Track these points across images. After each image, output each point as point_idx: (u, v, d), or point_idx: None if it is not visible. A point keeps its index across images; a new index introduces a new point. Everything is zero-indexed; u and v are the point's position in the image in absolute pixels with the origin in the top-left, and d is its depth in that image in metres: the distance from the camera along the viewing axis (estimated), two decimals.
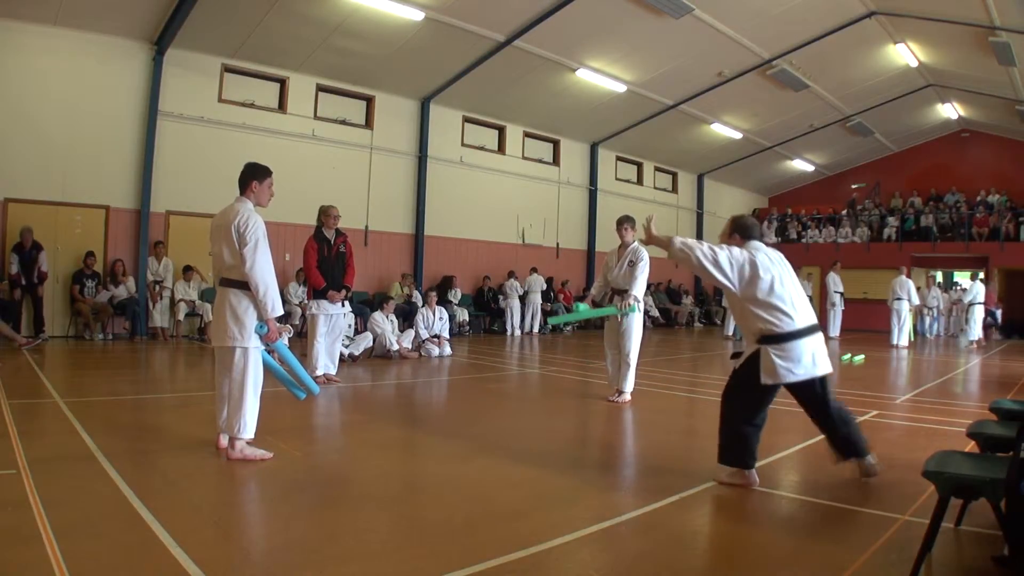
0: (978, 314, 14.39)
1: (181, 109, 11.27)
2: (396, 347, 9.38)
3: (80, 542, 2.54)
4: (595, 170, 18.08)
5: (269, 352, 4.08)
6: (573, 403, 6.62)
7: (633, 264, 6.14)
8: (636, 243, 6.25)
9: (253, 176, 4.03)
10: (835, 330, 15.54)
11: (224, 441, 3.95)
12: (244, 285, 3.82)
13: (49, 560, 2.35)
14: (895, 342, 13.61)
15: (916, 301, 14.26)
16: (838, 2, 12.06)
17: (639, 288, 6.06)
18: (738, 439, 3.59)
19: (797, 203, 23.32)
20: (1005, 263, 17.88)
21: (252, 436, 3.88)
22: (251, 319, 3.85)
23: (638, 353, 6.24)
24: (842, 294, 15.55)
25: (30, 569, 2.29)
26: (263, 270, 3.77)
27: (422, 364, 9.00)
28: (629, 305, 6.01)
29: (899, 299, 13.75)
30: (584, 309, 6.34)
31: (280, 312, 3.87)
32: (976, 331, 14.31)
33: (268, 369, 4.07)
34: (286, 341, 4.52)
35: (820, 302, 18.69)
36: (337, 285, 6.98)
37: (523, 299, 14.99)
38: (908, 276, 14.46)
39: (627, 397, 6.23)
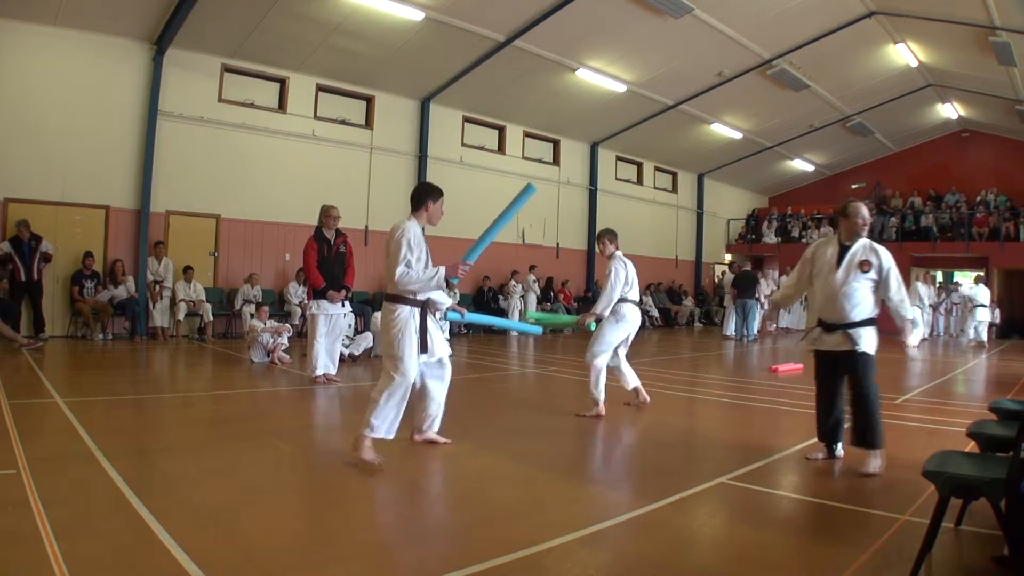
0: (980, 316, 14.44)
1: (181, 109, 11.27)
2: None
3: (80, 542, 2.53)
4: (595, 170, 18.08)
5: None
6: (573, 403, 6.61)
7: (605, 279, 5.81)
8: (614, 255, 5.85)
9: (429, 195, 4.27)
10: None
11: (418, 437, 4.26)
12: (396, 299, 3.98)
13: (49, 560, 2.35)
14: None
15: (928, 302, 14.57)
16: (838, 2, 12.06)
17: (601, 306, 5.69)
18: (878, 420, 3.94)
19: (797, 203, 23.32)
20: (1005, 263, 17.88)
21: (383, 435, 3.87)
22: (398, 332, 3.91)
23: (605, 357, 5.75)
24: None
25: (30, 569, 2.29)
26: (406, 276, 3.89)
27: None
28: (587, 322, 5.77)
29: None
30: (540, 316, 6.11)
31: (443, 278, 3.94)
32: (973, 331, 14.40)
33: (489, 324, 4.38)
34: (461, 313, 4.72)
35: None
36: (337, 285, 6.98)
37: (522, 298, 15.01)
38: (926, 282, 14.72)
39: (598, 409, 5.59)
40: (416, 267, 3.96)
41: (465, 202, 15.21)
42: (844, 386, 4.08)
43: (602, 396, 5.65)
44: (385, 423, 3.88)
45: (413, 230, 4.07)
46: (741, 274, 15.00)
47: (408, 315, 3.96)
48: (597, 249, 6.07)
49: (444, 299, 4.26)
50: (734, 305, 14.81)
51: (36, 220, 9.86)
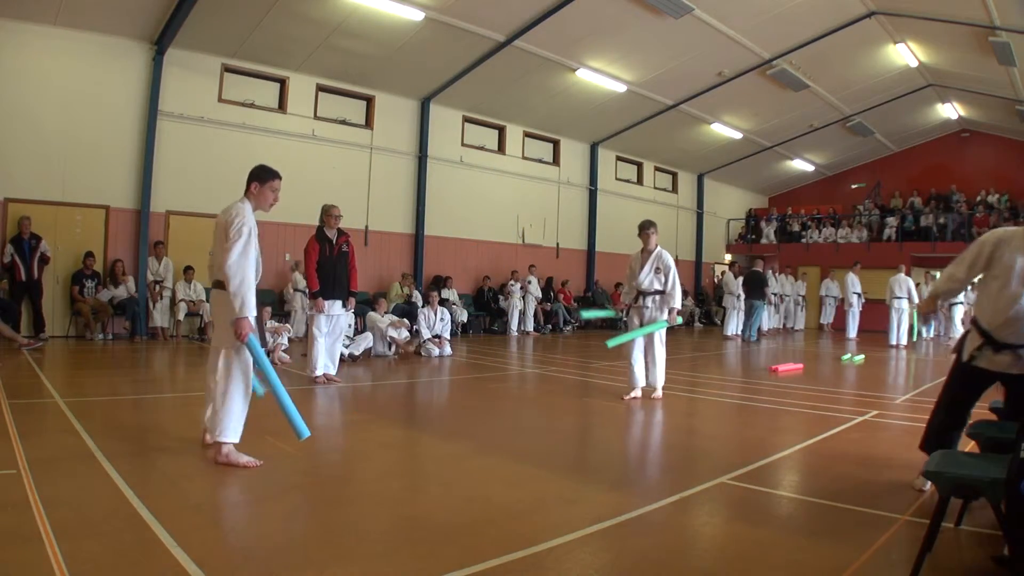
0: (958, 314, 14.37)
1: (181, 109, 11.27)
2: (394, 334, 9.43)
3: (80, 542, 2.54)
4: (595, 170, 18.08)
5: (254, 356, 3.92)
6: (573, 403, 6.62)
7: (660, 271, 6.36)
8: (659, 248, 6.44)
9: (255, 178, 4.01)
10: (852, 330, 15.42)
11: (210, 439, 3.88)
12: None
13: (49, 560, 2.35)
14: (894, 341, 13.58)
15: (916, 299, 14.16)
16: (838, 2, 12.05)
17: (678, 299, 6.37)
18: None
19: (797, 203, 23.32)
20: None
21: (236, 440, 3.77)
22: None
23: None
24: (859, 295, 15.40)
25: (30, 569, 2.30)
26: (237, 266, 3.67)
27: (422, 364, 9.00)
28: (675, 319, 6.38)
29: (898, 298, 13.69)
30: (640, 330, 6.40)
31: (248, 315, 3.69)
32: (958, 330, 14.30)
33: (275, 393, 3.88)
34: (284, 341, 4.45)
35: (816, 302, 18.71)
36: (342, 289, 6.99)
37: (522, 299, 15.01)
38: (907, 274, 14.39)
39: (660, 393, 6.46)
40: (253, 260, 3.77)
41: (465, 202, 15.27)
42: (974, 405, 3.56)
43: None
44: (233, 423, 3.75)
45: (250, 216, 3.84)
46: (750, 274, 14.55)
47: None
48: (640, 240, 6.49)
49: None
50: (742, 305, 14.67)
51: (36, 220, 9.86)
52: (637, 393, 6.41)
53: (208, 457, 3.82)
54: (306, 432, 3.79)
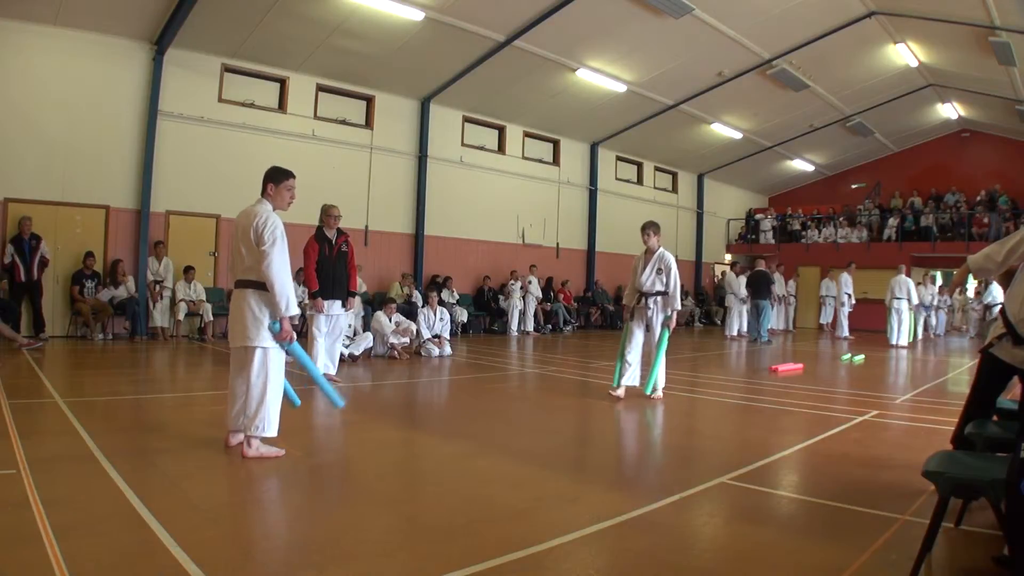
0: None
1: (181, 109, 11.27)
2: (395, 341, 9.41)
3: (80, 542, 2.53)
4: (595, 170, 18.08)
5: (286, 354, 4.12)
6: (573, 403, 6.62)
7: (661, 272, 6.40)
8: (661, 248, 6.48)
9: (270, 179, 4.10)
10: (843, 330, 15.50)
11: (234, 440, 4.02)
12: (263, 286, 3.87)
13: (49, 560, 2.35)
14: (894, 342, 13.58)
15: (916, 300, 14.16)
16: (838, 2, 12.05)
17: (679, 301, 6.46)
18: None
19: (797, 203, 23.32)
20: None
21: (274, 434, 3.93)
22: (269, 319, 3.91)
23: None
24: (850, 295, 15.48)
25: (30, 569, 2.29)
26: (279, 270, 3.82)
27: (422, 364, 9.00)
28: (672, 324, 6.39)
29: (898, 298, 13.69)
30: (659, 358, 6.36)
31: (295, 312, 3.90)
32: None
33: (308, 374, 4.30)
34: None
35: (815, 303, 18.69)
36: (342, 290, 6.99)
37: (523, 299, 15.00)
38: (907, 275, 14.38)
39: (660, 394, 6.42)
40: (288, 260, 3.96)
41: (465, 202, 15.27)
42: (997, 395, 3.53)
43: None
44: (274, 418, 3.91)
45: (276, 217, 3.98)
46: (755, 274, 14.41)
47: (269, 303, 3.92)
48: (642, 240, 6.51)
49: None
50: (746, 305, 14.62)
51: (36, 220, 9.86)
52: (649, 390, 6.39)
53: (241, 453, 3.89)
54: (340, 403, 4.44)
